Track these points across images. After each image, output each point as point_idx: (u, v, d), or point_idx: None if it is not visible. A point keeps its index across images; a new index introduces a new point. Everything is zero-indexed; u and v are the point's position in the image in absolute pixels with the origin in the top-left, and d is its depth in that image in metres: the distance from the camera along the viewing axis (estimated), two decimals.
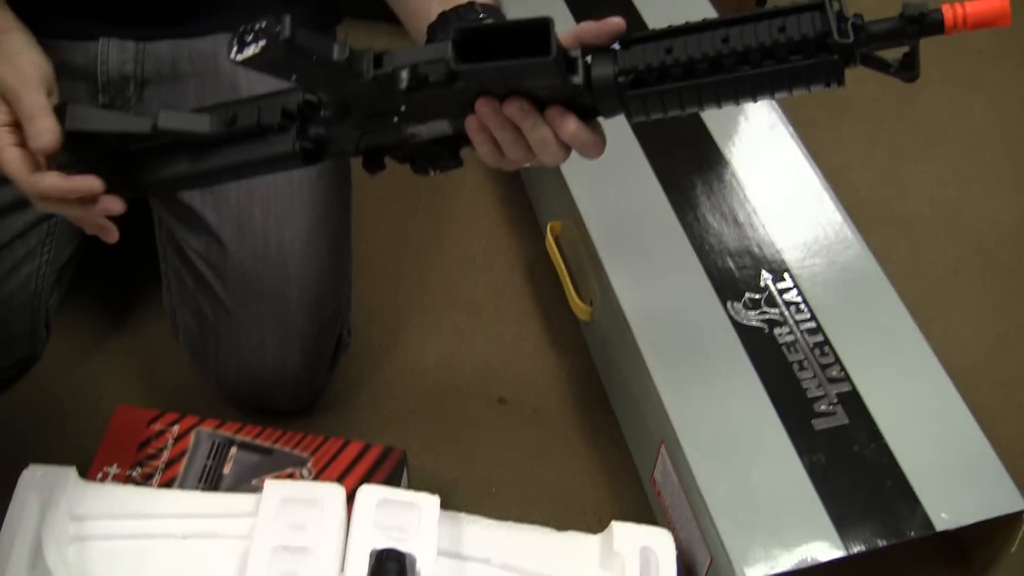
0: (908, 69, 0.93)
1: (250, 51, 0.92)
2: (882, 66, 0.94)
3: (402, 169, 1.95)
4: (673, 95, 0.97)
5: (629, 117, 1.01)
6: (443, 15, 1.17)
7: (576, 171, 1.68)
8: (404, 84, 0.98)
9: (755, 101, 0.99)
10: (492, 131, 1.03)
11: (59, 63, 1.31)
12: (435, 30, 1.17)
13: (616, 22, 0.97)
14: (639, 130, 1.74)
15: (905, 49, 0.93)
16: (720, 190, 1.65)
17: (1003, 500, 1.32)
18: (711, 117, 1.78)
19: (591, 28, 0.98)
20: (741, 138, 1.76)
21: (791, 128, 1.79)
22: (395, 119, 1.05)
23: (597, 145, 1.04)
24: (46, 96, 1.11)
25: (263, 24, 0.92)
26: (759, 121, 1.80)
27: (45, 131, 1.07)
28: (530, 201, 1.92)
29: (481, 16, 1.15)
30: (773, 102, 1.83)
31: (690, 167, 1.69)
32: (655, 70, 0.96)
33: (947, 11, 0.89)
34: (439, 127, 1.06)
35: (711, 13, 2.02)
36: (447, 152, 1.09)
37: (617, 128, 1.73)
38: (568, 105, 1.01)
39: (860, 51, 0.92)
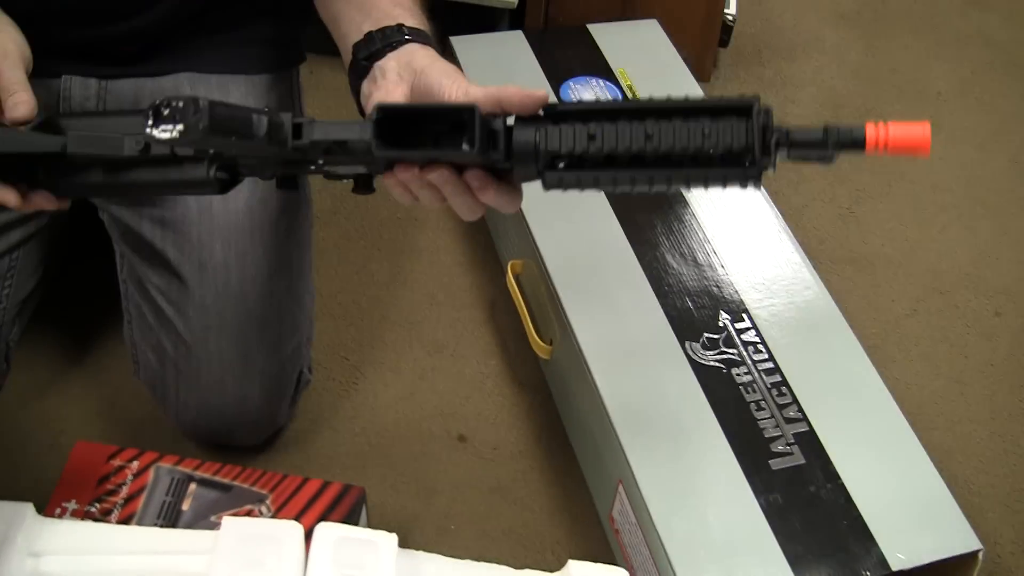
0: (826, 161, 0.94)
1: (167, 133, 0.91)
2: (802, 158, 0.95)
3: (365, 209, 1.97)
4: (590, 177, 0.98)
5: (544, 186, 1.00)
6: (369, 34, 1.18)
7: (537, 210, 1.68)
8: (323, 150, 1.00)
9: (670, 191, 1.00)
10: (411, 190, 1.05)
11: None
12: (359, 47, 1.18)
13: (540, 96, 0.98)
14: None
15: None
16: (680, 230, 1.66)
17: (959, 540, 1.33)
18: None
19: (514, 98, 0.99)
20: None
21: None
22: (312, 167, 1.06)
23: (514, 203, 1.06)
24: (23, 71, 1.17)
25: (181, 105, 0.91)
26: None
27: (21, 103, 1.12)
28: (491, 239, 1.93)
29: (407, 37, 1.16)
30: None
31: (650, 207, 1.70)
32: (576, 155, 0.97)
33: (870, 133, 0.90)
34: (356, 168, 1.07)
35: (671, 51, 2.04)
36: (362, 180, 1.09)
37: None
38: (485, 167, 1.02)
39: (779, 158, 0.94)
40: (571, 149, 0.97)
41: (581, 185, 0.99)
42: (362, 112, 1.19)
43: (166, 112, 0.91)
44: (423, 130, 0.98)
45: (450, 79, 1.08)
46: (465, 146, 0.95)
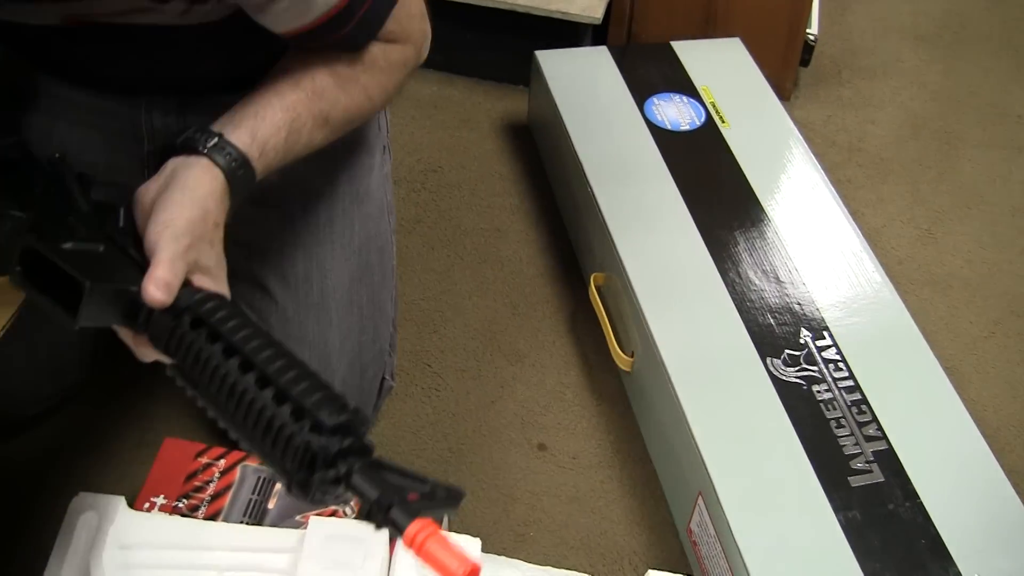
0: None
1: None
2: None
3: (449, 218, 1.99)
4: (191, 390, 0.97)
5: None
6: (191, 129, 1.14)
7: (621, 224, 1.71)
8: None
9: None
10: None
11: (104, 110, 1.36)
12: (176, 134, 1.14)
13: (151, 298, 0.97)
14: (683, 185, 1.77)
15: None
16: (763, 247, 1.68)
17: None
18: (754, 174, 1.81)
19: (144, 286, 0.98)
20: (784, 196, 1.78)
21: (832, 188, 1.81)
22: None
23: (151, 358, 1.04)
24: None
25: None
26: (802, 180, 1.83)
27: None
28: (573, 252, 1.95)
29: (205, 151, 1.11)
30: (815, 161, 1.85)
31: (733, 223, 1.72)
32: (183, 364, 0.96)
33: (409, 533, 0.82)
34: None
35: (753, 69, 2.06)
36: None
37: (662, 183, 1.76)
38: None
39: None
40: (180, 361, 0.96)
41: (187, 390, 0.98)
42: None
43: None
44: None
45: (166, 216, 1.04)
46: (69, 317, 0.94)
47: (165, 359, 1.00)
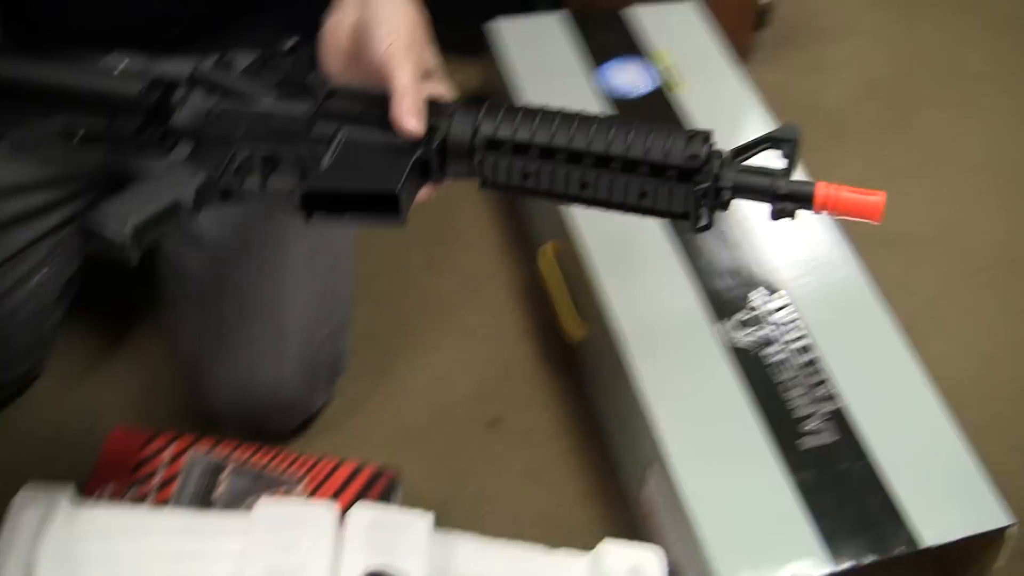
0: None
1: None
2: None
3: None
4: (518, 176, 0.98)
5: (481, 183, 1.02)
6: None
7: None
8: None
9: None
10: None
11: None
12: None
13: (408, 130, 0.98)
14: None
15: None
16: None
17: (987, 516, 1.33)
18: None
19: (393, 112, 0.99)
20: None
21: None
22: None
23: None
24: None
25: None
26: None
27: None
28: (525, 224, 1.93)
29: None
30: (772, 123, 1.84)
31: None
32: (508, 185, 0.99)
33: (820, 191, 0.87)
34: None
35: (709, 33, 2.04)
36: None
37: None
38: None
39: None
40: (506, 182, 0.98)
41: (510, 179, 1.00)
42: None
43: None
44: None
45: (387, 28, 1.03)
46: (394, 218, 0.97)
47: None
